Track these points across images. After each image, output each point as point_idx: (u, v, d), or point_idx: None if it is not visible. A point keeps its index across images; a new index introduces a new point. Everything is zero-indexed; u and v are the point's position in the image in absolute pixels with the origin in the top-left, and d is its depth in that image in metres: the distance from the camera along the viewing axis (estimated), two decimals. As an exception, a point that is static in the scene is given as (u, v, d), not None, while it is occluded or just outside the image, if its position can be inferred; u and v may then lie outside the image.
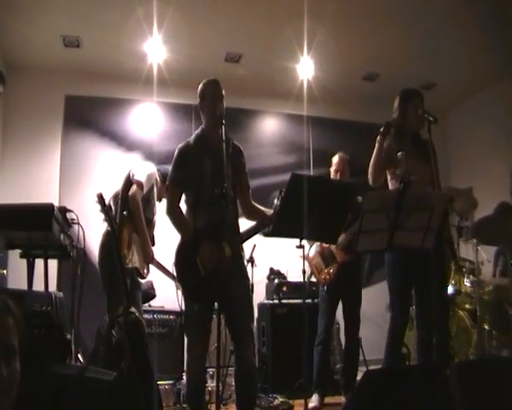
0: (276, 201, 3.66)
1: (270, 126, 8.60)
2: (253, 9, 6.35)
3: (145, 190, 4.86)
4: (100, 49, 7.09)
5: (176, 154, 3.87)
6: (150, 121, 7.82)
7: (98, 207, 4.16)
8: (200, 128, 3.94)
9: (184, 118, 7.64)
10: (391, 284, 4.28)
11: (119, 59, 7.25)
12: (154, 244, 5.02)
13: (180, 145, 3.89)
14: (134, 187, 4.79)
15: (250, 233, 3.81)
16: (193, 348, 3.72)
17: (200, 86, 3.93)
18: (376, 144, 4.30)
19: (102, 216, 4.19)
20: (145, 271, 4.94)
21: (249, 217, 3.98)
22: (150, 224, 4.98)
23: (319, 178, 5.05)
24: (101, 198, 4.17)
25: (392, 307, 4.25)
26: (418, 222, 3.45)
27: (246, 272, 3.90)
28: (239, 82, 7.67)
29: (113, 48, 7.01)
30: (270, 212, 3.83)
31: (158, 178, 5.07)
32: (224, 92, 3.85)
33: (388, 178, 4.43)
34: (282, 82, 7.92)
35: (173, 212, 3.81)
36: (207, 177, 3.73)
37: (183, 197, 3.89)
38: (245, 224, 3.93)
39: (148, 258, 4.86)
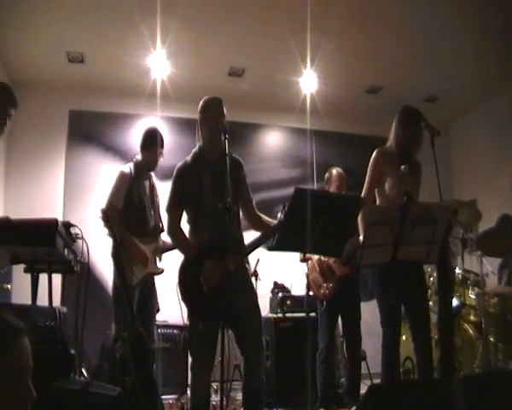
0: (279, 215, 3.66)
1: (273, 140, 8.63)
2: (256, 24, 6.39)
3: (119, 202, 4.88)
4: (104, 64, 7.15)
5: (174, 174, 3.88)
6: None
7: (102, 222, 4.18)
8: (197, 146, 3.94)
9: (188, 132, 7.57)
10: (378, 299, 4.27)
11: (122, 74, 7.29)
12: (163, 230, 4.97)
13: (178, 165, 3.90)
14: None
15: (253, 246, 3.81)
16: (197, 369, 3.68)
17: (202, 102, 3.94)
18: (371, 170, 4.34)
19: (106, 231, 4.21)
20: (156, 266, 4.96)
21: (258, 229, 3.97)
22: (143, 222, 4.97)
23: (323, 193, 5.04)
24: (105, 213, 4.19)
25: (382, 323, 4.23)
26: (422, 235, 3.45)
27: (252, 286, 3.89)
28: (242, 96, 7.74)
29: (116, 63, 7.05)
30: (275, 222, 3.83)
31: (131, 171, 5.04)
32: (225, 111, 3.85)
33: (376, 196, 4.44)
34: (286, 96, 7.95)
35: (174, 233, 3.83)
36: (207, 192, 3.75)
37: (185, 216, 3.89)
38: (250, 236, 3.93)
39: (145, 262, 4.84)
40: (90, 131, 7.69)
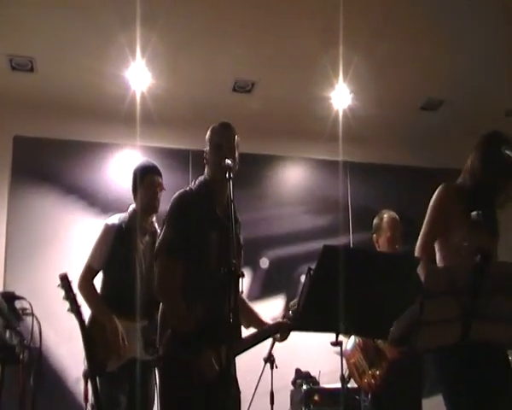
0: (303, 280, 3.64)
1: (293, 177, 8.64)
2: (268, 24, 6.42)
3: (97, 264, 4.95)
4: (62, 74, 7.12)
5: (174, 204, 3.84)
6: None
7: (61, 292, 4.16)
8: (203, 177, 3.96)
9: (178, 168, 7.53)
10: (446, 395, 4.16)
11: (89, 88, 7.30)
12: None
13: (180, 193, 3.87)
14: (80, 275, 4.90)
15: (256, 340, 3.83)
16: None
17: (208, 132, 4.00)
18: (433, 213, 4.28)
19: (67, 305, 4.19)
20: (144, 351, 4.89)
21: (245, 322, 3.98)
22: (129, 293, 4.95)
23: (362, 252, 4.95)
24: (65, 280, 4.18)
25: None
26: (505, 308, 3.39)
27: (237, 381, 3.84)
28: (252, 118, 7.75)
29: (80, 73, 7.03)
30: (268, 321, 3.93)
31: (120, 223, 5.08)
32: (237, 138, 3.92)
33: (436, 247, 4.37)
34: (311, 117, 8.00)
35: (168, 291, 3.73)
36: (213, 248, 3.73)
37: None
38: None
39: (114, 346, 4.76)
40: (43, 165, 7.66)
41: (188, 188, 3.92)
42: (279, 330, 3.81)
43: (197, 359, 3.53)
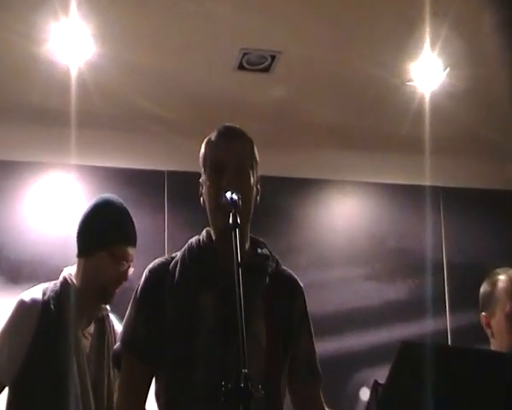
0: (364, 398, 3.47)
1: (347, 216, 8.58)
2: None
3: (3, 373, 4.80)
4: None
5: (141, 283, 3.86)
6: (67, 213, 7.58)
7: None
8: (205, 230, 3.95)
9: (147, 200, 7.25)
10: None
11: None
12: None
13: (152, 266, 3.90)
14: None
15: None
16: None
17: (202, 146, 3.96)
18: None
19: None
20: None
21: None
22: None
23: (466, 352, 4.74)
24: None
25: None
26: None
27: None
28: (270, 115, 7.65)
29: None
30: None
31: (44, 301, 4.87)
32: (254, 151, 3.91)
33: None
34: (375, 109, 7.96)
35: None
36: (206, 343, 3.67)
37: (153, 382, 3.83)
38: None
39: None
40: None
41: (170, 256, 3.96)
42: None
43: None
